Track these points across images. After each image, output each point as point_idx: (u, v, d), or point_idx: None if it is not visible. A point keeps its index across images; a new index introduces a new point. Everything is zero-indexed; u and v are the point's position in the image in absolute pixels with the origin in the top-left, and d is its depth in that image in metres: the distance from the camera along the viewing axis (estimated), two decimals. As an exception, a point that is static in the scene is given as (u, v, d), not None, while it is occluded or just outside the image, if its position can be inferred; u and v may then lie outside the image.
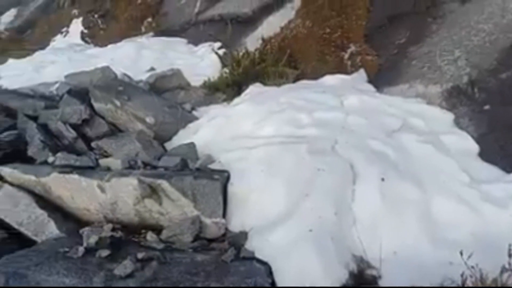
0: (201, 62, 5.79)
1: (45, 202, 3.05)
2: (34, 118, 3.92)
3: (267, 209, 2.65)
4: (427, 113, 3.65)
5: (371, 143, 3.09)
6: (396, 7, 4.87)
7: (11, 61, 7.28)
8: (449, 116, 3.60)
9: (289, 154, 2.99)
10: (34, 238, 2.87)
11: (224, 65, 5.49)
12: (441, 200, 2.71)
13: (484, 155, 3.20)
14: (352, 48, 4.72)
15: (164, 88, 5.05)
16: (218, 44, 6.03)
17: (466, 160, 3.14)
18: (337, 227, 2.44)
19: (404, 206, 2.61)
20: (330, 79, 4.54)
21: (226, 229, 2.74)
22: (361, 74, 4.46)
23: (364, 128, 3.32)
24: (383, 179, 2.72)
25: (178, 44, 6.51)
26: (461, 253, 2.06)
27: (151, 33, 7.07)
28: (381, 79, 4.32)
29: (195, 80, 5.27)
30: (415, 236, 2.50)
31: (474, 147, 3.26)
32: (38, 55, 7.30)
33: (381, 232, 2.49)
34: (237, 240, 2.61)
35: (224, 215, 2.77)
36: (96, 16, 7.94)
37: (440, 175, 2.93)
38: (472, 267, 2.05)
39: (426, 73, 4.08)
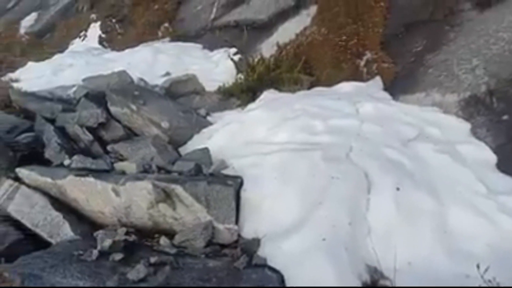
0: (216, 68, 5.82)
1: (60, 204, 3.09)
2: (52, 121, 4.00)
3: (280, 216, 2.64)
4: (444, 122, 3.61)
5: (387, 151, 3.06)
6: (413, 15, 4.83)
7: (30, 64, 7.40)
8: (466, 126, 3.55)
9: (303, 161, 2.98)
10: (49, 239, 2.91)
11: (239, 70, 5.50)
12: (457, 211, 2.67)
13: (502, 166, 3.14)
14: (368, 55, 4.69)
15: (179, 93, 5.09)
16: (233, 50, 6.04)
17: (483, 170, 3.09)
18: (351, 237, 2.42)
19: (420, 216, 2.58)
20: (345, 86, 4.52)
21: (239, 235, 2.73)
22: (377, 81, 4.43)
23: (379, 136, 3.29)
24: (398, 189, 2.69)
25: (194, 49, 6.55)
26: (478, 267, 2.02)
27: (167, 38, 7.12)
28: (397, 87, 4.28)
29: (210, 86, 5.29)
30: (431, 247, 2.47)
31: (492, 158, 3.20)
32: (57, 58, 7.41)
33: (395, 242, 2.45)
34: (249, 247, 2.61)
35: (236, 221, 2.76)
36: (114, 20, 8.05)
37: (457, 186, 2.89)
38: (489, 280, 2.01)
39: (443, 81, 4.03)
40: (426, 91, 4.04)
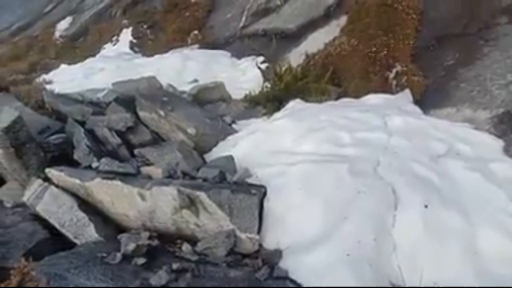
0: (243, 76, 5.85)
1: (86, 205, 3.15)
2: (82, 123, 4.09)
3: (303, 228, 2.60)
4: (475, 139, 3.50)
5: (415, 167, 2.99)
6: (445, 28, 4.75)
7: (63, 66, 7.65)
8: (498, 143, 3.43)
9: (328, 173, 2.94)
10: (74, 240, 2.97)
11: (266, 79, 5.51)
12: (487, 232, 2.57)
13: (536, 187, 3.01)
14: (398, 67, 4.62)
15: (206, 99, 5.14)
16: (261, 59, 6.07)
17: (516, 191, 2.97)
18: (375, 253, 2.36)
19: (448, 236, 2.50)
20: (373, 98, 4.46)
21: (260, 245, 2.71)
22: (406, 94, 4.34)
23: (408, 150, 3.22)
24: (426, 206, 2.62)
25: (222, 57, 6.62)
26: (509, 292, 1.93)
27: (196, 45, 7.23)
28: (427, 101, 4.19)
29: (237, 93, 5.32)
30: (458, 269, 2.38)
31: (525, 178, 3.08)
32: (89, 62, 7.64)
33: (422, 261, 2.39)
34: (271, 258, 2.59)
35: (259, 231, 2.75)
36: (145, 26, 8.23)
37: (487, 205, 2.78)
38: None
39: (475, 97, 3.93)
40: (457, 106, 3.95)
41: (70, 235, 2.98)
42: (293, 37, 6.10)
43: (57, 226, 3.03)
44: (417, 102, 4.26)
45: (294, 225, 2.66)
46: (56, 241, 2.99)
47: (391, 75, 4.63)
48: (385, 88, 4.58)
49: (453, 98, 4.03)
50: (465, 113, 3.84)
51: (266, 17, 6.70)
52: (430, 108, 4.08)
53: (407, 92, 4.38)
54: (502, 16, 4.43)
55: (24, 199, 3.22)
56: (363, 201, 2.65)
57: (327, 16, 5.90)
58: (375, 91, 4.55)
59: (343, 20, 5.59)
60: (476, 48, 4.35)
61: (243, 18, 7.02)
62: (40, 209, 3.11)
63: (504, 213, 2.74)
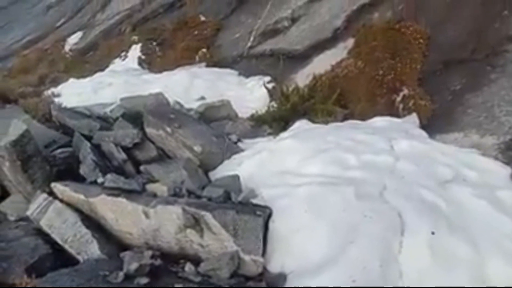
0: (250, 95, 5.88)
1: (90, 221, 3.14)
2: (89, 138, 4.10)
3: (308, 252, 2.57)
4: (482, 165, 3.47)
5: (422, 192, 2.96)
6: (453, 53, 4.76)
7: (72, 80, 7.72)
8: (506, 170, 3.40)
9: (334, 196, 2.92)
10: (76, 256, 2.94)
11: (272, 99, 5.54)
12: (496, 262, 2.53)
13: (544, 216, 2.97)
14: (405, 91, 4.62)
15: (213, 117, 5.16)
16: (268, 78, 6.10)
17: (524, 219, 2.93)
18: (381, 280, 2.32)
19: (455, 264, 2.46)
20: (379, 121, 4.46)
21: (265, 268, 2.68)
22: (413, 118, 4.34)
23: (414, 175, 3.20)
24: (433, 233, 2.58)
25: (229, 75, 6.66)
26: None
27: (204, 63, 7.29)
28: (434, 125, 4.18)
29: (243, 112, 5.35)
30: (466, 298, 2.34)
31: (534, 206, 3.04)
32: (97, 76, 7.70)
33: (428, 289, 2.35)
34: (275, 281, 2.55)
35: (263, 253, 2.72)
36: (154, 43, 8.33)
37: (495, 234, 2.74)
38: None
39: (482, 123, 3.92)
40: (464, 131, 3.93)
41: (72, 251, 2.96)
42: (300, 58, 6.14)
43: (59, 241, 3.01)
44: (423, 126, 4.25)
45: (299, 248, 2.63)
46: (58, 256, 2.97)
47: (398, 99, 4.64)
48: (391, 111, 4.58)
49: (460, 124, 4.02)
50: (472, 139, 3.82)
51: (273, 38, 6.76)
52: (436, 132, 4.07)
53: (414, 116, 4.38)
54: (509, 43, 4.44)
55: (28, 213, 3.21)
56: (369, 225, 2.62)
57: (335, 38, 5.94)
58: (382, 114, 4.55)
59: (350, 42, 5.62)
60: (483, 74, 4.35)
61: (251, 38, 7.09)
62: (43, 223, 3.10)
63: (511, 242, 2.70)
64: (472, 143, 3.78)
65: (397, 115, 4.50)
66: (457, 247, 2.54)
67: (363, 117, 4.63)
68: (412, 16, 5.21)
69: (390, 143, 3.73)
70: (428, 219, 2.67)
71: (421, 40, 4.96)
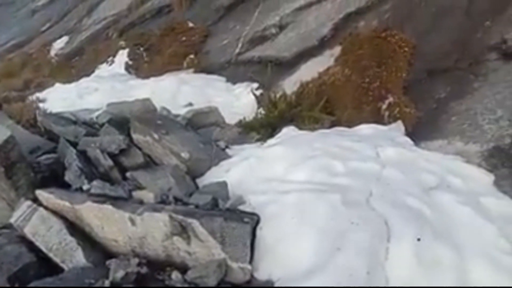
0: (237, 101, 5.90)
1: (75, 229, 3.10)
2: (75, 144, 4.05)
3: (296, 259, 2.57)
4: (466, 172, 3.53)
5: (407, 199, 3.00)
6: (437, 62, 4.85)
7: (57, 85, 7.64)
8: (489, 178, 3.46)
9: (322, 203, 2.94)
10: (61, 264, 2.90)
11: (260, 105, 5.56)
12: (479, 267, 2.57)
13: (527, 222, 3.03)
14: (391, 99, 4.69)
15: (201, 124, 5.15)
16: (255, 85, 6.12)
17: (507, 226, 2.98)
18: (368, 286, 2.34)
19: (441, 270, 2.49)
20: (365, 128, 4.50)
21: (252, 275, 2.67)
22: (399, 126, 4.40)
23: (400, 182, 3.24)
24: (419, 239, 2.61)
25: (217, 82, 6.67)
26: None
27: (191, 69, 7.29)
28: (419, 133, 4.24)
29: (231, 118, 5.35)
30: (451, 304, 2.37)
31: (517, 213, 3.10)
32: (83, 81, 7.64)
33: (414, 296, 2.37)
34: (262, 289, 2.55)
35: (251, 260, 2.71)
36: (141, 49, 8.30)
37: (479, 240, 2.79)
38: None
39: (466, 130, 3.98)
40: (448, 139, 4.00)
41: (57, 259, 2.91)
42: (288, 65, 6.18)
43: (44, 249, 2.96)
44: (409, 133, 4.31)
45: (286, 255, 2.63)
46: (42, 265, 2.92)
47: (384, 106, 4.70)
48: (377, 118, 4.63)
49: (444, 131, 4.09)
50: (456, 146, 3.89)
51: (261, 45, 6.80)
52: (422, 140, 4.13)
53: (399, 123, 4.44)
54: (491, 52, 4.54)
55: (12, 220, 3.15)
56: (356, 232, 2.64)
57: (322, 46, 6.00)
58: (368, 121, 4.59)
59: (337, 50, 5.68)
60: (466, 82, 4.44)
61: (239, 45, 7.12)
62: (27, 231, 3.05)
63: (495, 249, 2.74)
64: (456, 150, 3.84)
65: (383, 123, 4.55)
66: (442, 253, 2.57)
67: (350, 124, 4.67)
68: (398, 25, 5.29)
69: (376, 150, 3.77)
70: (413, 226, 2.70)
71: (406, 49, 5.04)
